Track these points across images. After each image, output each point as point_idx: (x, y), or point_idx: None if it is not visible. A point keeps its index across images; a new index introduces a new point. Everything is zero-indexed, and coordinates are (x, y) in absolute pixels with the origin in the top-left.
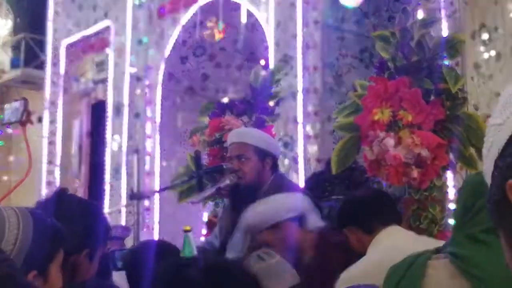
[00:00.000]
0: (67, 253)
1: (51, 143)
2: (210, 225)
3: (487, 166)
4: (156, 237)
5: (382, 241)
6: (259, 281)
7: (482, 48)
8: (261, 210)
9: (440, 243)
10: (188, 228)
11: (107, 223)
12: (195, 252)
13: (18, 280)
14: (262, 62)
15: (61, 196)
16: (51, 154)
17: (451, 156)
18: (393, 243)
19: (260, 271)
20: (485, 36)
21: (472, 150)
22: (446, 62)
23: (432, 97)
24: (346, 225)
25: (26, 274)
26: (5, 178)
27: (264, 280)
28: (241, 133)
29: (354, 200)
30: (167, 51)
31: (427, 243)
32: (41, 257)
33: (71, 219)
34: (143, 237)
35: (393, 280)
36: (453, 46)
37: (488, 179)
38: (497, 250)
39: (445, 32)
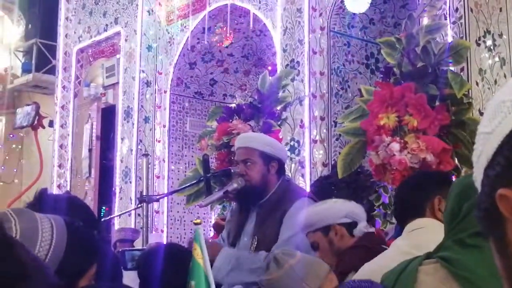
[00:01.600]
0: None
1: (62, 146)
2: (217, 228)
3: (476, 173)
4: (164, 239)
5: (399, 239)
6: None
7: (487, 54)
8: (315, 211)
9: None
10: (198, 221)
11: (92, 212)
12: (204, 245)
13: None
14: (269, 67)
15: (43, 195)
16: (62, 157)
17: (456, 160)
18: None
19: (274, 280)
20: (489, 42)
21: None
22: (451, 67)
23: (437, 103)
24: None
25: None
26: (16, 181)
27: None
28: (247, 138)
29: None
30: (176, 57)
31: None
32: (71, 273)
33: (57, 213)
34: (152, 240)
35: (386, 286)
36: (458, 52)
37: (478, 186)
38: (487, 253)
39: (450, 38)
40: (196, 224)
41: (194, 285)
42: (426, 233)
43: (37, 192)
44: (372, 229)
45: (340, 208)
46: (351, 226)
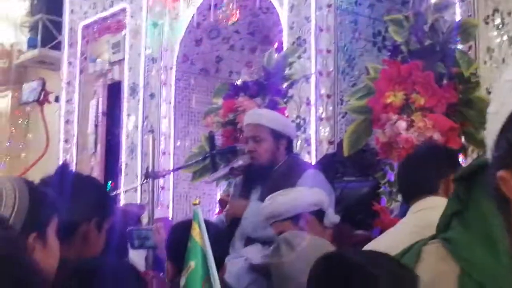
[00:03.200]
0: (76, 223)
1: (68, 122)
2: (223, 204)
3: (488, 153)
4: (170, 215)
5: (407, 221)
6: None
7: (495, 33)
8: (283, 200)
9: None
10: (196, 201)
11: (110, 196)
12: (203, 225)
13: (19, 261)
14: (276, 45)
15: (64, 171)
16: (68, 133)
17: (463, 139)
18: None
19: (288, 263)
20: (498, 20)
21: (484, 134)
22: (459, 46)
23: (445, 81)
24: None
25: (27, 236)
26: (22, 155)
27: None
28: (257, 114)
29: (408, 160)
30: (181, 33)
31: None
32: (39, 220)
33: (77, 191)
34: (158, 215)
35: None
36: (466, 30)
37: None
38: (485, 233)
39: (458, 17)
40: (194, 204)
41: (193, 265)
42: (439, 214)
43: (58, 167)
44: (338, 218)
45: (310, 197)
46: (319, 214)
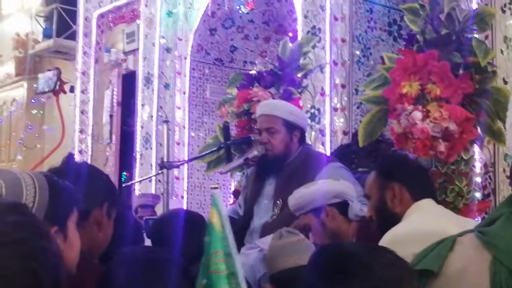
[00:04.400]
0: (90, 209)
1: (83, 112)
2: (237, 194)
3: None
4: (184, 205)
5: (426, 209)
6: (272, 257)
7: None
8: (303, 193)
9: (470, 222)
10: (215, 185)
11: (114, 185)
12: (222, 209)
13: (34, 245)
14: (290, 34)
15: (72, 160)
16: (83, 123)
17: (479, 130)
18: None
19: (274, 247)
20: None
21: (500, 124)
22: (476, 35)
23: (461, 71)
24: (394, 180)
25: None
26: (38, 146)
27: (278, 256)
28: (270, 105)
29: (410, 162)
30: (196, 23)
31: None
32: (59, 214)
33: (87, 177)
34: (172, 205)
35: (425, 252)
36: (483, 19)
37: None
38: None
39: (475, 5)
40: (213, 188)
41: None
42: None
43: (64, 158)
44: (365, 210)
45: (329, 189)
46: (342, 206)
